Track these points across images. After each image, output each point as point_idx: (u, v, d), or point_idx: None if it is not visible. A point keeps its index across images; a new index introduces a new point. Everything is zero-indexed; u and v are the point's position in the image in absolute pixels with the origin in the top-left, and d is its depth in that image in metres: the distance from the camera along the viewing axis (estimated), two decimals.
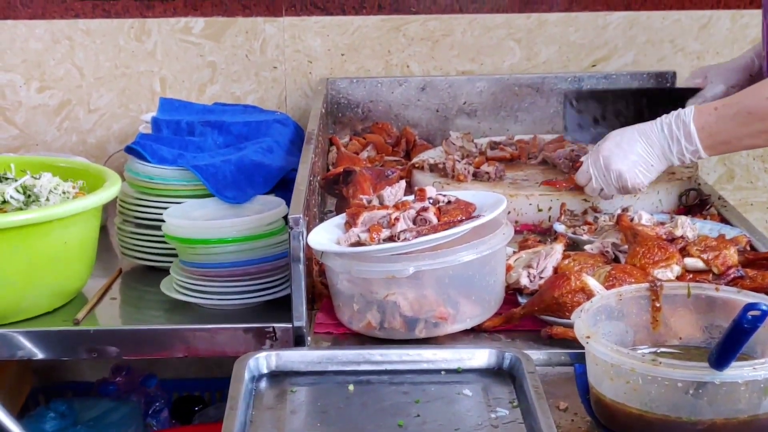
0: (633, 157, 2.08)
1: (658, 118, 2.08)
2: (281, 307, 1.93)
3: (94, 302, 2.05)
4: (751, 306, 1.26)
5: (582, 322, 1.48)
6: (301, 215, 1.69)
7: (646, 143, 2.08)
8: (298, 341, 1.70)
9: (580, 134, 2.43)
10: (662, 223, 2.04)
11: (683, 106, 2.12)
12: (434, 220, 1.71)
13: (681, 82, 2.46)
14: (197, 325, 2.00)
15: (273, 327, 1.97)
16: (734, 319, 1.28)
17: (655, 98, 2.40)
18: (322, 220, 2.27)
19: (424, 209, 1.72)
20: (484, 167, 2.35)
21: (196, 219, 2.07)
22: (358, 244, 1.69)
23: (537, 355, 1.67)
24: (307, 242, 1.72)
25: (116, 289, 2.15)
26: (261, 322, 1.99)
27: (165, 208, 2.13)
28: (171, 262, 2.11)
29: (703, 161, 2.87)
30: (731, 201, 2.90)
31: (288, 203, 1.87)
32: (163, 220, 2.06)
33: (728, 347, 1.31)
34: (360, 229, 1.71)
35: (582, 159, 2.18)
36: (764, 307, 1.26)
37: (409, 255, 1.66)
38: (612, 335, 1.55)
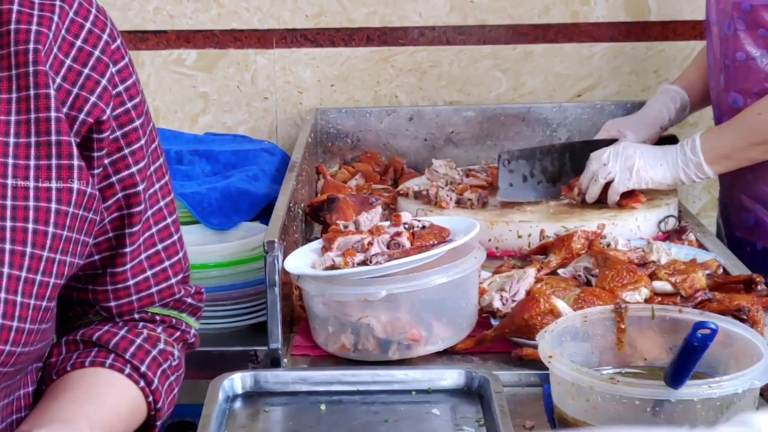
0: (650, 151, 2.29)
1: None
2: (265, 331, 1.96)
3: None
4: (700, 324, 1.30)
5: (546, 343, 1.52)
6: (277, 239, 1.73)
7: (662, 150, 2.28)
8: (274, 363, 1.74)
9: (511, 193, 2.46)
10: (637, 249, 2.08)
11: None
12: (407, 245, 1.75)
13: (597, 135, 2.52)
14: None
15: (255, 350, 2.02)
16: (684, 337, 1.32)
17: (578, 152, 2.45)
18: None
19: (398, 234, 1.77)
20: (467, 194, 2.40)
21: None
22: (333, 267, 1.73)
23: (507, 376, 1.70)
24: (283, 266, 1.76)
25: None
26: (245, 345, 2.03)
27: None
28: None
29: (688, 188, 2.92)
30: (713, 230, 2.94)
31: None
32: None
33: (682, 366, 1.34)
34: (335, 254, 1.75)
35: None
36: (713, 326, 1.29)
37: (381, 278, 1.70)
38: (577, 356, 1.59)
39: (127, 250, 1.29)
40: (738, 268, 2.10)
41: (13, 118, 1.17)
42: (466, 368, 1.66)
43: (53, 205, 1.17)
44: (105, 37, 1.23)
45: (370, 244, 1.74)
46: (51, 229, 1.17)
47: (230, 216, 2.20)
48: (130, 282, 1.31)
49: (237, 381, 1.65)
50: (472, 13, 2.85)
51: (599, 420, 1.44)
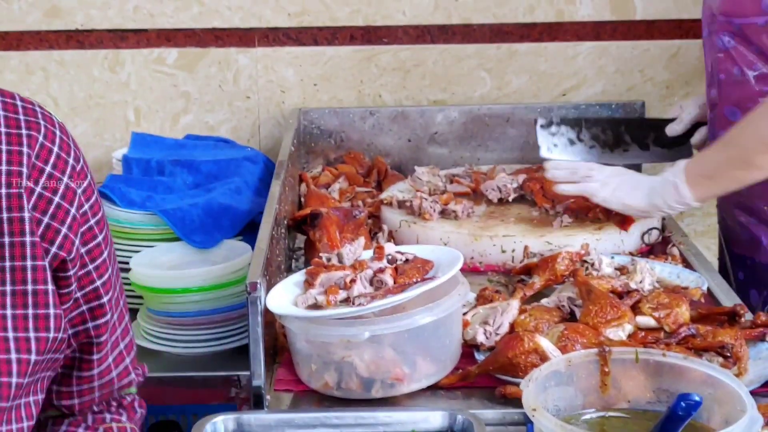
0: (635, 177, 2.25)
1: None
2: (248, 353, 1.96)
3: None
4: (684, 396, 1.30)
5: (529, 393, 1.51)
6: (259, 279, 1.72)
7: (648, 177, 2.24)
8: (257, 401, 1.73)
9: (556, 153, 2.47)
10: (622, 268, 2.08)
11: (660, 134, 2.42)
12: (390, 282, 1.74)
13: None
14: (164, 373, 2.05)
15: (237, 375, 2.03)
16: (669, 407, 1.32)
17: (635, 127, 2.50)
18: (290, 258, 2.32)
19: (381, 270, 1.76)
20: (452, 205, 2.38)
21: (162, 265, 2.11)
22: (315, 306, 1.72)
23: (491, 414, 1.70)
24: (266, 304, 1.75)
25: None
26: (229, 367, 2.06)
27: (135, 251, 2.17)
28: (140, 304, 2.15)
29: None
30: (700, 227, 2.95)
31: (254, 248, 1.90)
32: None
33: (666, 431, 1.34)
34: (317, 291, 1.74)
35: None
36: (697, 398, 1.29)
37: (364, 318, 1.69)
38: (561, 400, 1.58)
39: (94, 357, 1.34)
40: (722, 289, 2.10)
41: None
42: (449, 410, 1.65)
43: (23, 356, 1.19)
44: (71, 160, 1.24)
45: (353, 281, 1.73)
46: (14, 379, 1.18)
47: (212, 233, 2.19)
48: (95, 383, 1.36)
49: (220, 424, 1.63)
50: (456, 12, 2.82)
51: None
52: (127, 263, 2.12)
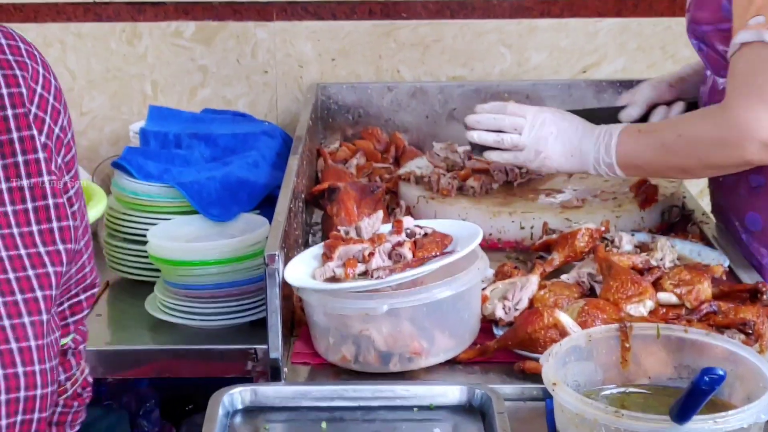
0: (566, 135, 2.09)
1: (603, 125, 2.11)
2: (265, 326, 1.95)
3: None
4: (708, 370, 1.28)
5: (549, 367, 1.50)
6: (278, 251, 1.71)
7: (579, 138, 2.08)
8: (274, 373, 1.73)
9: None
10: (642, 245, 2.06)
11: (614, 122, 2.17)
12: (409, 256, 1.73)
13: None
14: (181, 345, 2.04)
15: (255, 348, 2.01)
16: (692, 380, 1.30)
17: (600, 117, 2.35)
18: (307, 233, 2.30)
19: (400, 244, 1.74)
20: (470, 182, 2.36)
21: (180, 238, 2.10)
22: (334, 278, 1.71)
23: (509, 389, 1.69)
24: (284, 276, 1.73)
25: (102, 305, 2.18)
26: (245, 340, 2.04)
27: (152, 224, 2.16)
28: (158, 276, 2.14)
29: None
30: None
31: (271, 221, 1.89)
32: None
33: (688, 405, 1.33)
34: (335, 264, 1.73)
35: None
36: (721, 372, 1.28)
37: (382, 292, 1.68)
38: (581, 375, 1.57)
39: None
40: (743, 267, 2.08)
41: (3, 186, 1.21)
42: (468, 384, 1.64)
43: (57, 268, 1.24)
44: (53, 79, 1.32)
45: (371, 254, 1.71)
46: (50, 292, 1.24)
47: (230, 207, 2.18)
48: None
49: (237, 396, 1.63)
50: None
51: None
52: (144, 235, 2.12)
